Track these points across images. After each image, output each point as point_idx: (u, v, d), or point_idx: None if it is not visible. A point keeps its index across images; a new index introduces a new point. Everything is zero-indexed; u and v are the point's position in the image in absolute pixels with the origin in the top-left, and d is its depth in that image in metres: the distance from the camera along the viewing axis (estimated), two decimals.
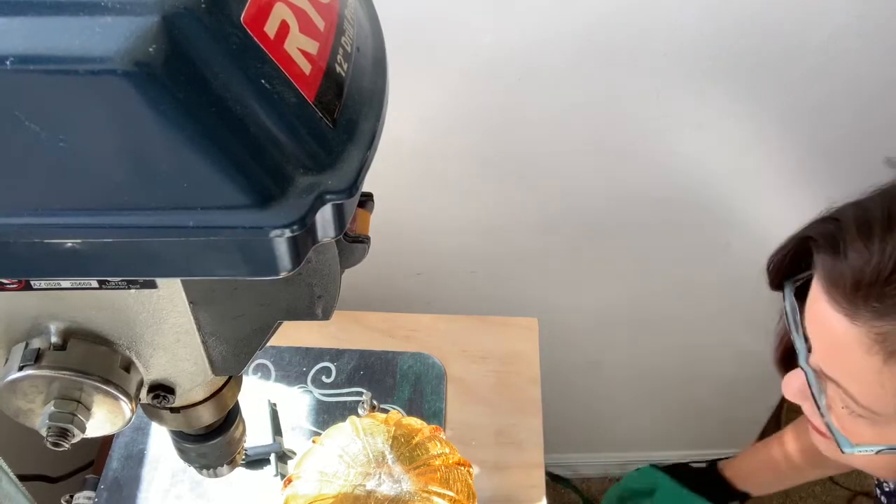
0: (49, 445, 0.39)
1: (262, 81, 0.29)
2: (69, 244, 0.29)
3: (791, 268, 0.57)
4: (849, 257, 0.48)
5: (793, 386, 0.57)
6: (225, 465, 0.55)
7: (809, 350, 0.54)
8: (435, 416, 0.87)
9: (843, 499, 1.55)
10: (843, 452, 0.54)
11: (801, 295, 0.55)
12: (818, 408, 0.54)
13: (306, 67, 0.30)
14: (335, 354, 0.92)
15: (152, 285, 0.36)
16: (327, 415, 0.86)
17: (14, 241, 0.29)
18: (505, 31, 0.81)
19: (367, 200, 0.45)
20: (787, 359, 0.62)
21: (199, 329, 0.39)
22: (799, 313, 0.55)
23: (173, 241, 0.29)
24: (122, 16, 0.26)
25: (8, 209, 0.29)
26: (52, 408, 0.38)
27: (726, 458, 0.91)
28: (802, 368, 0.54)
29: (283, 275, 0.31)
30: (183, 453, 0.53)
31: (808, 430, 0.62)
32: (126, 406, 0.39)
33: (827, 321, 0.50)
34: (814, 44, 0.84)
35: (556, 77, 0.86)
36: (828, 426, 0.54)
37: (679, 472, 0.90)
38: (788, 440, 0.86)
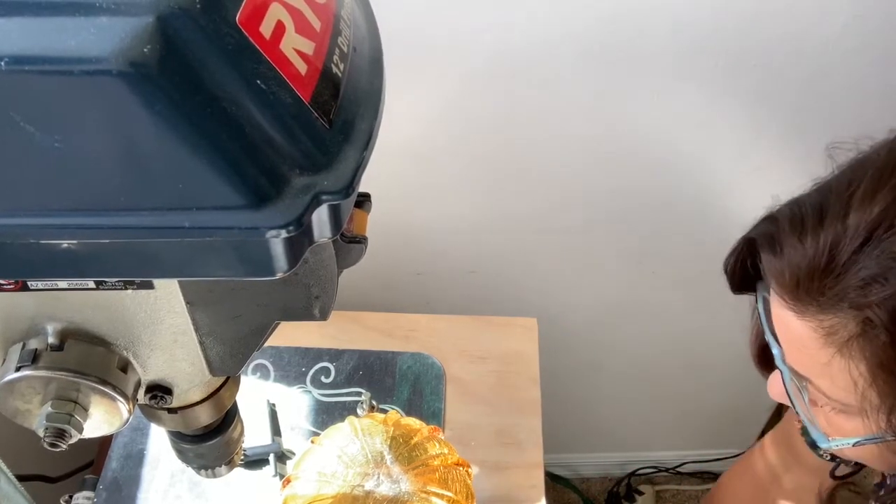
0: (46, 446, 0.39)
1: (258, 82, 0.28)
2: (65, 245, 0.29)
3: (743, 271, 0.58)
4: (785, 254, 0.49)
5: (775, 386, 0.58)
6: (223, 466, 0.55)
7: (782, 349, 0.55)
8: (434, 416, 0.87)
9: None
10: (818, 447, 0.55)
11: None
12: (794, 405, 0.55)
13: (302, 68, 0.30)
14: (334, 354, 0.92)
15: (149, 286, 0.36)
16: (326, 415, 0.86)
17: (10, 241, 0.29)
18: (504, 30, 0.81)
19: (364, 201, 0.45)
20: (764, 357, 0.63)
21: (197, 329, 0.39)
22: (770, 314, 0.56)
23: (169, 242, 0.29)
24: (117, 16, 0.26)
25: (4, 210, 0.29)
26: (50, 408, 0.38)
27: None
28: (780, 368, 0.55)
29: (279, 275, 0.31)
30: (181, 454, 0.53)
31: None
32: (123, 407, 0.39)
33: (783, 320, 0.51)
34: (814, 44, 0.84)
35: (555, 77, 0.86)
36: (806, 422, 0.55)
37: None
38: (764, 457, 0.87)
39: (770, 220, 0.52)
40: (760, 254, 0.52)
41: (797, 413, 0.55)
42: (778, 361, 0.54)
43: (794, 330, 0.50)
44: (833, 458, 0.80)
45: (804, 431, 0.81)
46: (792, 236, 0.49)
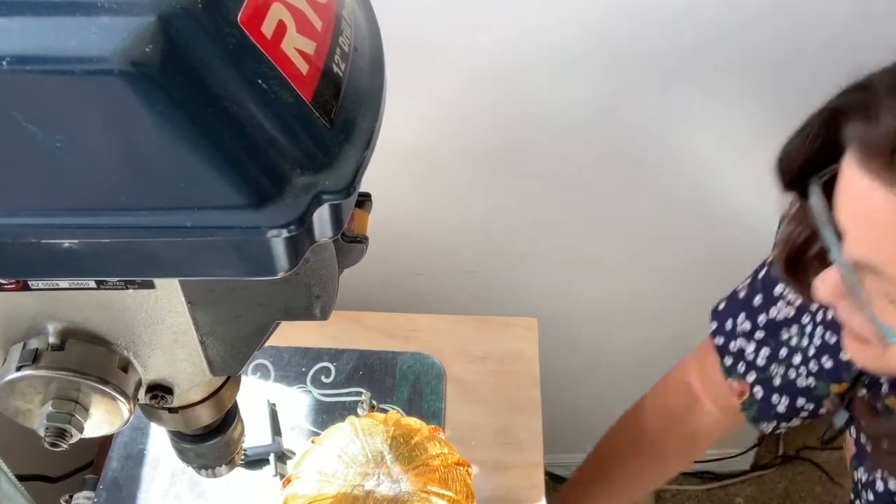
0: (47, 446, 0.39)
1: (259, 81, 0.29)
2: (67, 244, 0.29)
3: (812, 151, 0.54)
4: (882, 121, 0.46)
5: (827, 284, 0.53)
6: (223, 465, 0.55)
7: (841, 243, 0.51)
8: (434, 416, 0.87)
9: (844, 499, 1.55)
10: (889, 343, 0.50)
11: (827, 193, 0.52)
12: (856, 301, 0.51)
13: (303, 67, 0.30)
14: (334, 354, 0.92)
15: (150, 286, 0.36)
16: (326, 415, 0.86)
17: (12, 241, 0.29)
18: (505, 30, 0.81)
19: (365, 200, 0.45)
20: (795, 265, 0.60)
21: (197, 329, 0.39)
22: (828, 206, 0.51)
23: (171, 242, 0.29)
24: (119, 16, 0.26)
25: (5, 209, 0.29)
26: (50, 408, 0.38)
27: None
28: (836, 263, 0.51)
29: (280, 275, 0.31)
30: (181, 453, 0.53)
31: None
32: (124, 406, 0.39)
33: (864, 198, 0.47)
34: (814, 44, 0.84)
35: (555, 77, 0.86)
36: (871, 319, 0.50)
37: None
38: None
39: (861, 87, 0.49)
40: (847, 125, 0.49)
41: (856, 309, 0.51)
42: (835, 256, 0.50)
43: (876, 206, 0.46)
44: (775, 430, 0.78)
45: (746, 406, 0.78)
46: (890, 100, 0.46)
